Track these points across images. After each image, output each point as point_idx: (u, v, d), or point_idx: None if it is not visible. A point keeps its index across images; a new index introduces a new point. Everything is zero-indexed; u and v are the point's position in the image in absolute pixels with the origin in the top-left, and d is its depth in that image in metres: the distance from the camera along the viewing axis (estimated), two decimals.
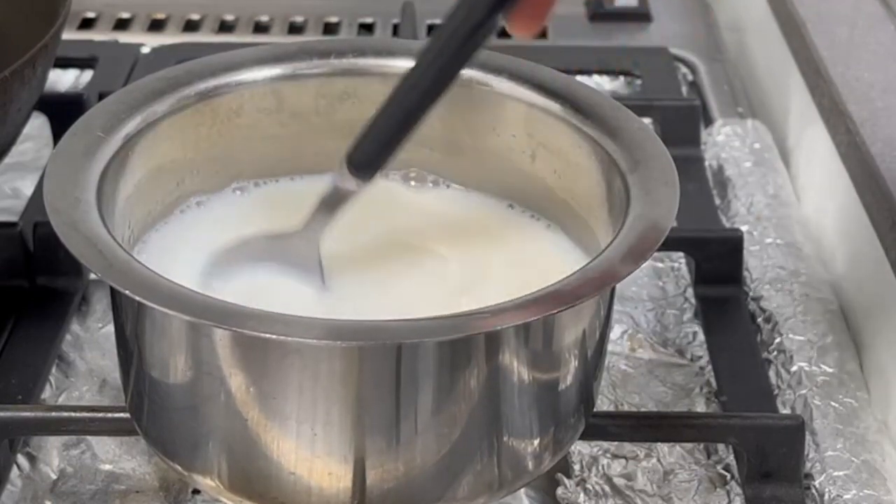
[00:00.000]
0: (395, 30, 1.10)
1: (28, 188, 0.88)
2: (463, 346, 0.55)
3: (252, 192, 0.70)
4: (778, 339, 0.75)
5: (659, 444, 0.68)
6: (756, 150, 0.92)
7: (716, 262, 0.79)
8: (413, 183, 0.71)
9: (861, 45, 0.89)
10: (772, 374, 0.74)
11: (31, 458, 0.68)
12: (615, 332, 0.76)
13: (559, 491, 0.66)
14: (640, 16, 1.12)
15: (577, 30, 1.11)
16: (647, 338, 0.77)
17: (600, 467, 0.67)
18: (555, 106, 0.66)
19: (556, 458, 0.61)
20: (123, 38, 1.08)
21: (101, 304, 0.78)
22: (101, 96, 0.70)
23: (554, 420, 0.59)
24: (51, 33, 0.78)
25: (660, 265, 0.83)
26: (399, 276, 0.64)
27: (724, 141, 0.93)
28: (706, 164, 0.92)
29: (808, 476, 0.67)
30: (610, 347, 0.74)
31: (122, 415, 0.64)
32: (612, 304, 0.61)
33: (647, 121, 0.78)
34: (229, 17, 1.13)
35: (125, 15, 1.13)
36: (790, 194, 0.89)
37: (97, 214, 0.57)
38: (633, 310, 0.79)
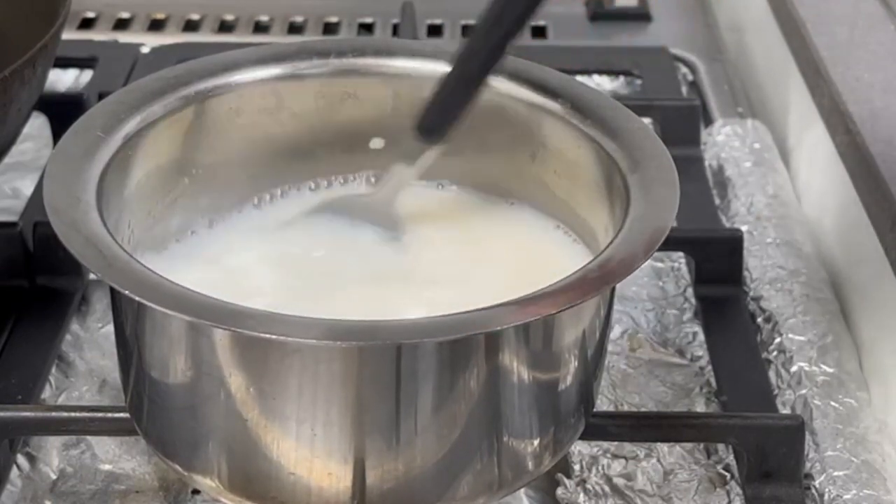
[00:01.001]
0: (395, 30, 1.10)
1: (28, 188, 0.88)
2: (462, 346, 0.55)
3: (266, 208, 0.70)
4: (778, 339, 0.75)
5: (659, 444, 0.68)
6: (756, 150, 0.92)
7: (716, 262, 0.79)
8: (413, 183, 0.71)
9: (861, 45, 0.89)
10: (772, 374, 0.74)
11: (31, 458, 0.68)
12: (615, 332, 0.76)
13: (559, 491, 0.66)
14: (640, 16, 1.12)
15: (577, 30, 1.11)
16: (647, 338, 0.77)
17: (600, 467, 0.67)
18: (555, 106, 0.66)
19: (556, 459, 0.61)
20: (123, 38, 1.08)
21: (101, 304, 0.78)
22: (101, 96, 0.70)
23: (554, 420, 0.59)
24: (51, 33, 0.78)
25: (660, 265, 0.83)
26: (397, 277, 0.65)
27: (724, 141, 0.93)
28: (706, 164, 0.92)
29: (808, 476, 0.67)
30: (610, 347, 0.74)
31: (122, 415, 0.64)
32: (612, 304, 0.61)
33: (647, 121, 0.78)
34: (229, 17, 1.13)
35: (125, 15, 1.13)
36: (790, 194, 0.89)
37: (97, 214, 0.57)
38: (633, 310, 0.79)
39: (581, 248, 0.66)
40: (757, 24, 1.07)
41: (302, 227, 0.68)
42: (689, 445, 0.69)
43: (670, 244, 0.73)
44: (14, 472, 0.67)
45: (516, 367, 0.56)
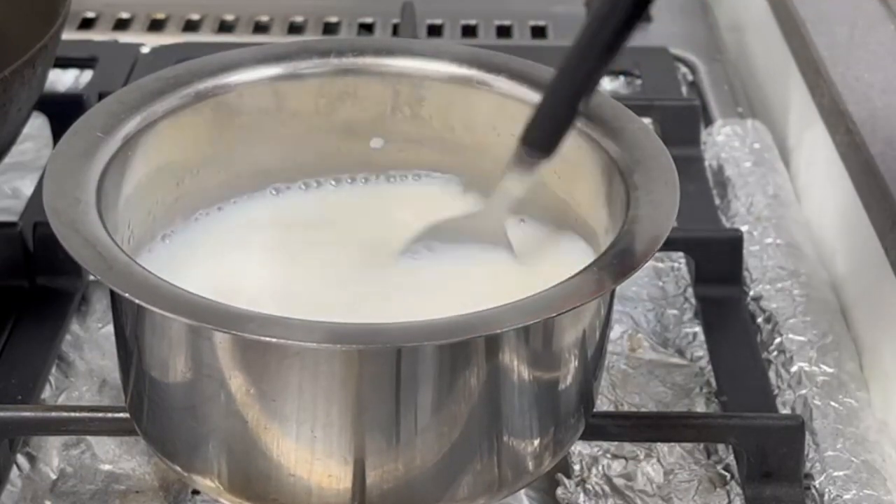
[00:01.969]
0: (395, 30, 1.10)
1: (28, 188, 0.88)
2: (462, 348, 0.55)
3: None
4: (778, 340, 0.75)
5: (659, 444, 0.68)
6: (756, 150, 0.92)
7: (716, 262, 0.79)
8: (413, 184, 0.71)
9: (861, 45, 0.89)
10: (772, 374, 0.74)
11: (31, 458, 0.68)
12: (615, 332, 0.76)
13: (559, 491, 0.66)
14: None
15: (577, 30, 1.11)
16: (647, 338, 0.77)
17: (600, 467, 0.67)
18: None
19: (556, 459, 0.61)
20: (123, 38, 1.08)
21: (101, 304, 0.78)
22: (101, 96, 0.70)
23: (554, 420, 0.59)
24: (51, 33, 0.78)
25: (660, 265, 0.83)
26: (397, 277, 0.64)
27: (724, 141, 0.93)
28: (706, 164, 0.92)
29: (808, 476, 0.67)
30: (610, 347, 0.74)
31: (122, 415, 0.64)
32: (612, 304, 0.61)
33: (647, 121, 0.78)
34: (229, 17, 1.13)
35: (125, 15, 1.13)
36: (790, 194, 0.89)
37: (96, 215, 0.57)
38: (633, 310, 0.79)
39: (581, 249, 0.66)
40: (757, 24, 1.07)
41: (302, 227, 0.68)
42: (689, 445, 0.69)
43: (670, 244, 0.73)
44: (14, 472, 0.67)
45: (516, 368, 0.56)
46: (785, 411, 0.71)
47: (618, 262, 0.56)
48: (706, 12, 1.15)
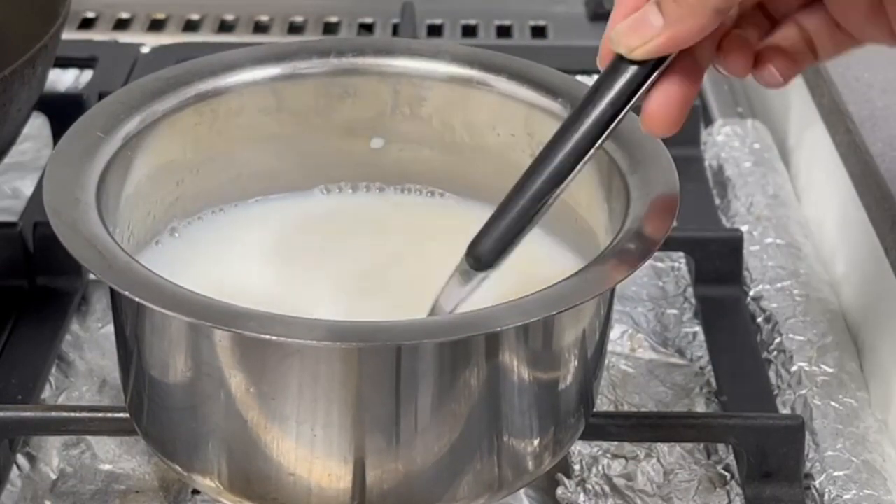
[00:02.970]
0: (395, 30, 1.10)
1: (28, 188, 0.88)
2: (462, 346, 0.55)
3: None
4: (778, 339, 0.75)
5: (659, 444, 0.68)
6: (756, 150, 0.92)
7: (716, 262, 0.79)
8: (413, 188, 0.71)
9: None
10: (772, 374, 0.74)
11: (31, 458, 0.68)
12: (615, 332, 0.76)
13: (559, 491, 0.66)
14: None
15: (577, 30, 1.11)
16: (647, 338, 0.77)
17: (600, 467, 0.67)
18: (555, 106, 0.66)
19: (556, 459, 0.61)
20: (123, 38, 1.08)
21: (101, 304, 0.78)
22: (101, 96, 0.70)
23: (554, 420, 0.59)
24: (51, 33, 0.78)
25: (660, 265, 0.83)
26: (396, 281, 0.65)
27: (724, 141, 0.93)
28: (706, 164, 0.92)
29: (808, 476, 0.67)
30: (610, 347, 0.74)
31: (122, 415, 0.64)
32: (612, 304, 0.61)
33: None
34: (229, 17, 1.13)
35: (125, 15, 1.13)
36: (790, 194, 0.89)
37: (97, 215, 0.57)
38: (633, 310, 0.79)
39: (580, 249, 0.66)
40: None
41: (303, 228, 0.68)
42: (689, 445, 0.69)
43: (670, 244, 0.74)
44: (14, 472, 0.67)
45: (516, 368, 0.56)
46: (785, 411, 0.71)
47: (618, 262, 0.56)
48: None
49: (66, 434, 0.67)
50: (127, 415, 0.62)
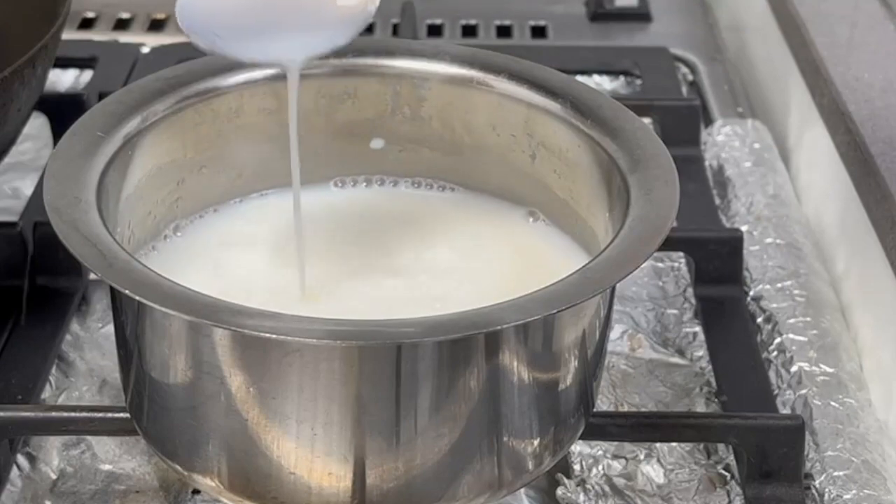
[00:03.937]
0: (395, 30, 1.10)
1: (28, 188, 0.88)
2: (463, 345, 0.55)
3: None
4: (778, 339, 0.75)
5: (659, 444, 0.68)
6: (756, 150, 0.92)
7: (716, 262, 0.79)
8: (413, 185, 0.71)
9: (861, 45, 0.89)
10: (772, 374, 0.74)
11: (31, 458, 0.68)
12: (615, 332, 0.76)
13: (559, 491, 0.66)
14: (639, 16, 1.12)
15: (577, 30, 1.11)
16: (647, 338, 0.77)
17: (600, 467, 0.67)
18: (555, 106, 0.66)
19: (556, 459, 0.61)
20: (123, 38, 1.08)
21: (101, 304, 0.78)
22: (101, 96, 0.70)
23: (554, 420, 0.59)
24: (51, 33, 0.78)
25: (660, 265, 0.83)
26: (397, 276, 0.65)
27: (724, 141, 0.93)
28: (706, 164, 0.92)
29: (808, 476, 0.67)
30: (610, 347, 0.74)
31: (122, 415, 0.64)
32: (612, 304, 0.61)
33: (647, 121, 0.78)
34: None
35: (125, 15, 1.13)
36: (790, 194, 0.89)
37: (97, 214, 0.57)
38: (633, 310, 0.79)
39: (581, 248, 0.66)
40: (757, 24, 1.07)
41: (302, 227, 0.69)
42: (689, 445, 0.69)
43: (670, 244, 0.74)
44: (14, 472, 0.67)
45: (516, 367, 0.56)
46: (785, 411, 0.71)
47: (618, 261, 0.56)
48: (706, 12, 1.15)
49: (66, 434, 0.67)
50: (127, 415, 0.62)
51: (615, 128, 0.64)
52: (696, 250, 0.80)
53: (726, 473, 0.67)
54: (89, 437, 0.68)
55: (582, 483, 0.66)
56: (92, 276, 0.79)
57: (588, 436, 0.64)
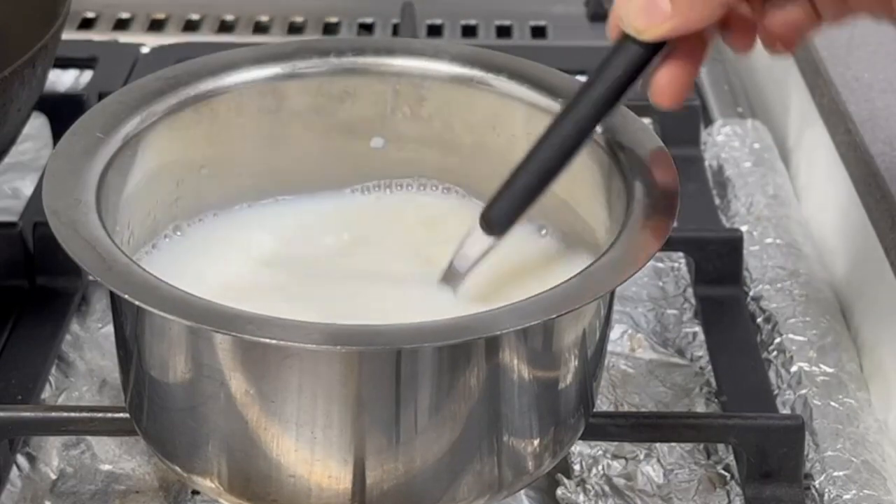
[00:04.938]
0: (395, 30, 1.10)
1: (28, 188, 0.88)
2: (462, 349, 0.54)
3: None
4: (778, 339, 0.75)
5: (659, 444, 0.68)
6: (756, 150, 0.92)
7: (716, 262, 0.79)
8: (412, 185, 0.71)
9: (861, 45, 0.89)
10: (772, 374, 0.74)
11: (31, 458, 0.68)
12: (615, 332, 0.76)
13: (559, 491, 0.66)
14: None
15: (577, 30, 1.11)
16: (647, 338, 0.77)
17: (600, 467, 0.67)
18: (555, 106, 0.66)
19: (556, 459, 0.61)
20: (123, 38, 1.08)
21: (101, 304, 0.78)
22: (101, 96, 0.70)
23: (554, 420, 0.59)
24: (51, 33, 0.78)
25: (660, 265, 0.83)
26: (397, 281, 0.64)
27: (724, 141, 0.93)
28: (706, 164, 0.92)
29: (808, 476, 0.67)
30: (610, 347, 0.74)
31: (122, 415, 0.64)
32: (612, 304, 0.61)
33: (647, 121, 0.78)
34: (229, 17, 1.13)
35: (125, 15, 1.13)
36: (790, 194, 0.89)
37: (96, 215, 0.57)
38: (633, 310, 0.79)
39: (581, 249, 0.66)
40: None
41: (302, 227, 0.68)
42: (689, 445, 0.69)
43: (670, 244, 0.73)
44: (14, 472, 0.67)
45: (516, 369, 0.56)
46: (785, 411, 0.71)
47: (618, 263, 0.56)
48: None
49: (66, 434, 0.67)
50: (127, 415, 0.62)
51: (615, 128, 0.64)
52: (696, 250, 0.80)
53: (726, 473, 0.67)
54: (89, 438, 0.68)
55: (582, 483, 0.66)
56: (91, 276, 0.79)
57: (588, 436, 0.64)
